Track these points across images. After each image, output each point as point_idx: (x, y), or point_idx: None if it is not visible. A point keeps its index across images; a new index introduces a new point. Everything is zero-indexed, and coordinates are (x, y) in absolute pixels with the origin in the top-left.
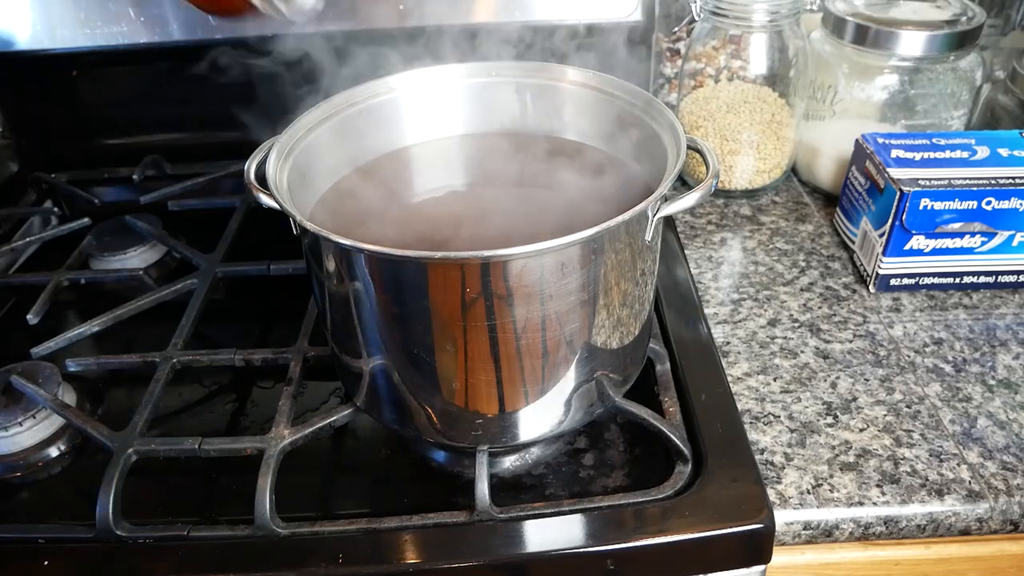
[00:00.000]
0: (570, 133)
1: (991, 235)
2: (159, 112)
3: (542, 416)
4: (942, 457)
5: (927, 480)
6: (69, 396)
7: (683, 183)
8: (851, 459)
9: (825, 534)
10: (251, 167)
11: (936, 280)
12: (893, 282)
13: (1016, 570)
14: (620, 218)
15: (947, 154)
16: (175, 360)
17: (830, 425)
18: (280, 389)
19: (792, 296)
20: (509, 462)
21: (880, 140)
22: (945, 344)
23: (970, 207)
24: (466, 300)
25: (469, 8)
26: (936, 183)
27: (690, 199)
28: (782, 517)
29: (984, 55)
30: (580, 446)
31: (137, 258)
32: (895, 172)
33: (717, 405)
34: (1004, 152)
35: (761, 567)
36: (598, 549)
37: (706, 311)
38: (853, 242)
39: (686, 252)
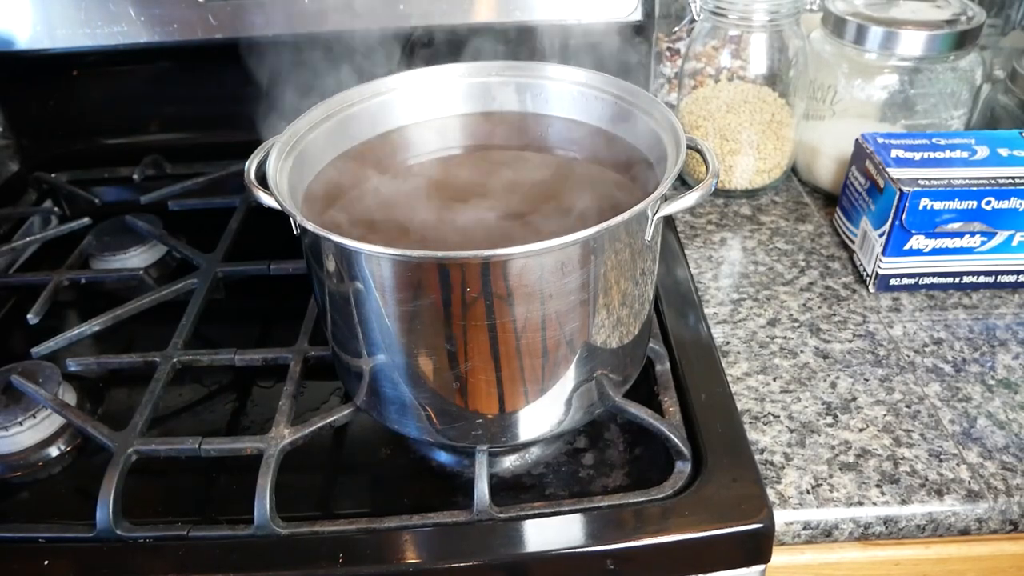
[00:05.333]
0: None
1: (991, 235)
2: (159, 112)
3: (542, 416)
4: (942, 457)
5: (927, 480)
6: (69, 396)
7: (683, 183)
8: (851, 459)
9: (825, 534)
10: (251, 167)
11: (936, 280)
12: (893, 282)
13: (1015, 570)
14: (620, 218)
15: (947, 154)
16: (175, 360)
17: (830, 425)
18: (280, 389)
19: (792, 296)
20: (509, 462)
21: (880, 140)
22: (945, 344)
23: (970, 207)
24: (466, 300)
25: (469, 8)
26: (936, 183)
27: (690, 199)
28: (782, 517)
29: (984, 55)
30: (580, 446)
31: (137, 258)
32: (895, 172)
33: (717, 405)
34: (1004, 152)
35: (761, 567)
36: (598, 549)
37: (706, 311)
38: (853, 242)
39: (686, 252)
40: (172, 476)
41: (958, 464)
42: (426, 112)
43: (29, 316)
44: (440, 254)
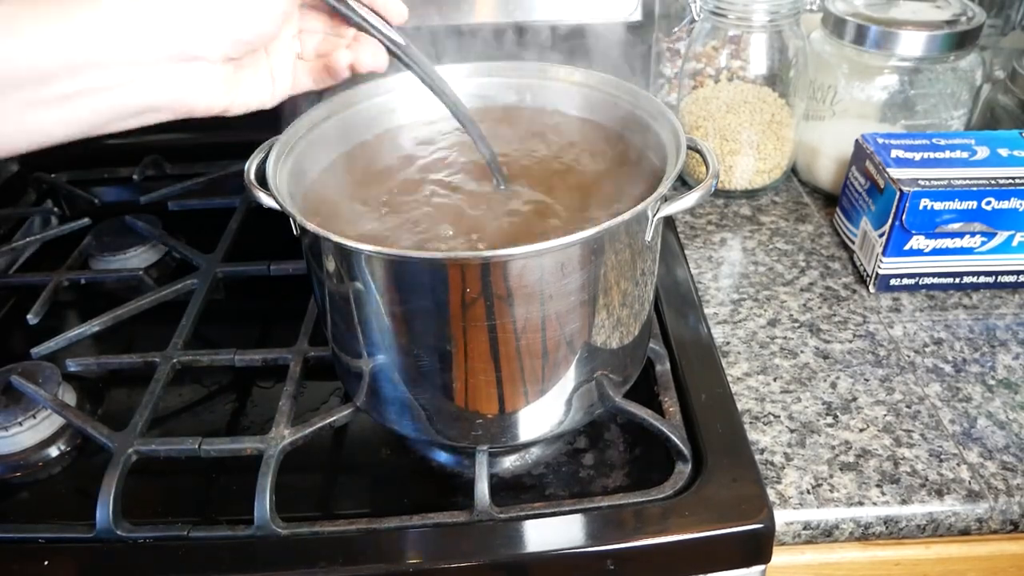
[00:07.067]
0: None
1: (991, 235)
2: None
3: (542, 416)
4: (942, 457)
5: (927, 480)
6: (69, 396)
7: (683, 183)
8: (851, 459)
9: (825, 534)
10: (251, 167)
11: (936, 280)
12: (893, 282)
13: (1016, 570)
14: (620, 218)
15: (947, 154)
16: (175, 360)
17: (830, 425)
18: (280, 389)
19: (792, 296)
20: (509, 462)
21: (880, 140)
22: (945, 344)
23: (970, 207)
24: (466, 300)
25: (469, 8)
26: (936, 183)
27: (690, 199)
28: (782, 517)
29: (984, 55)
30: (580, 446)
31: (137, 258)
32: (895, 172)
33: (717, 405)
34: (1004, 152)
35: (761, 567)
36: (598, 549)
37: (706, 311)
38: (853, 242)
39: (686, 252)
40: (172, 476)
41: (958, 464)
42: (426, 112)
43: (29, 316)
44: (440, 255)
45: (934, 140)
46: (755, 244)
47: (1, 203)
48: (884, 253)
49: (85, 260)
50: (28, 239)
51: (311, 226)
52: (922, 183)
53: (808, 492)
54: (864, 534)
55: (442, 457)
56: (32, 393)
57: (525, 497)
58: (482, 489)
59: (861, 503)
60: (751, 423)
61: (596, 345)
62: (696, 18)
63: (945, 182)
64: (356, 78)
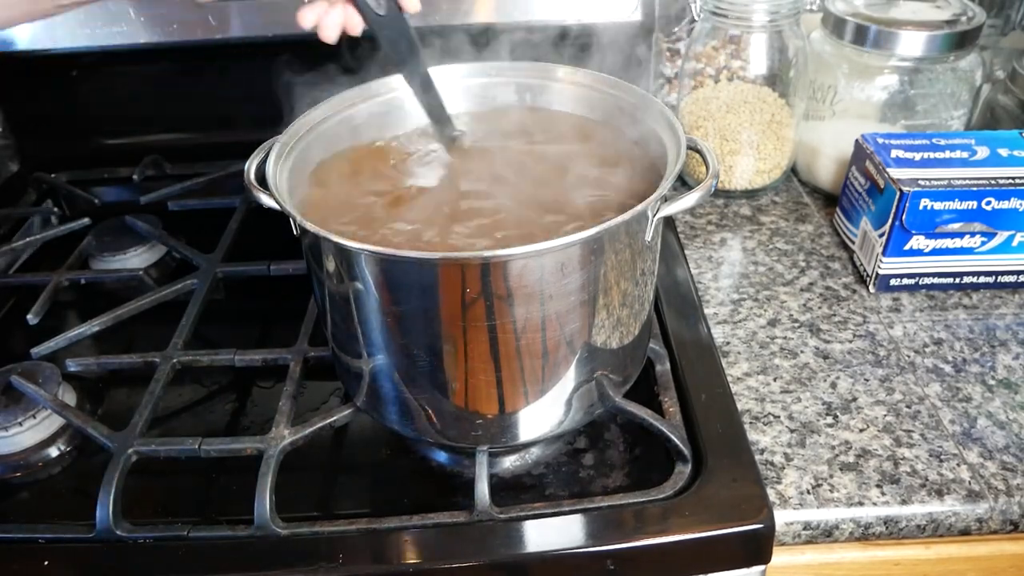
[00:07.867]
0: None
1: (991, 235)
2: (159, 112)
3: (542, 416)
4: (942, 457)
5: (927, 480)
6: (69, 396)
7: (683, 183)
8: (851, 459)
9: (825, 534)
10: (251, 167)
11: (936, 280)
12: (893, 282)
13: (1015, 570)
14: (620, 218)
15: (947, 154)
16: (175, 360)
17: (830, 425)
18: (280, 389)
19: (792, 296)
20: (509, 462)
21: (880, 140)
22: (945, 344)
23: (970, 207)
24: (466, 300)
25: (469, 8)
26: (936, 183)
27: (690, 199)
28: (782, 517)
29: (984, 55)
30: (580, 446)
31: (137, 258)
32: (895, 172)
33: (717, 405)
34: (1004, 152)
35: (761, 567)
36: (598, 549)
37: (706, 311)
38: (853, 242)
39: (686, 252)
40: (172, 476)
41: (958, 464)
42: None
43: (29, 316)
44: (440, 255)
45: (934, 140)
46: (755, 244)
47: (1, 203)
48: (884, 253)
49: (85, 260)
50: (28, 239)
51: (311, 226)
52: (922, 183)
53: (808, 492)
54: (864, 534)
55: (442, 457)
56: (32, 393)
57: (525, 497)
58: (482, 489)
59: (861, 503)
60: (751, 423)
61: (596, 345)
62: (696, 18)
63: (945, 182)
64: (357, 78)
